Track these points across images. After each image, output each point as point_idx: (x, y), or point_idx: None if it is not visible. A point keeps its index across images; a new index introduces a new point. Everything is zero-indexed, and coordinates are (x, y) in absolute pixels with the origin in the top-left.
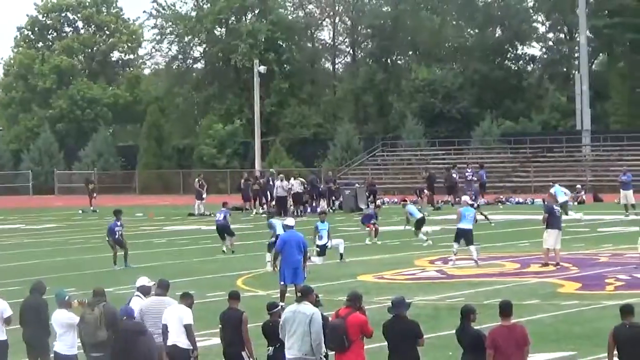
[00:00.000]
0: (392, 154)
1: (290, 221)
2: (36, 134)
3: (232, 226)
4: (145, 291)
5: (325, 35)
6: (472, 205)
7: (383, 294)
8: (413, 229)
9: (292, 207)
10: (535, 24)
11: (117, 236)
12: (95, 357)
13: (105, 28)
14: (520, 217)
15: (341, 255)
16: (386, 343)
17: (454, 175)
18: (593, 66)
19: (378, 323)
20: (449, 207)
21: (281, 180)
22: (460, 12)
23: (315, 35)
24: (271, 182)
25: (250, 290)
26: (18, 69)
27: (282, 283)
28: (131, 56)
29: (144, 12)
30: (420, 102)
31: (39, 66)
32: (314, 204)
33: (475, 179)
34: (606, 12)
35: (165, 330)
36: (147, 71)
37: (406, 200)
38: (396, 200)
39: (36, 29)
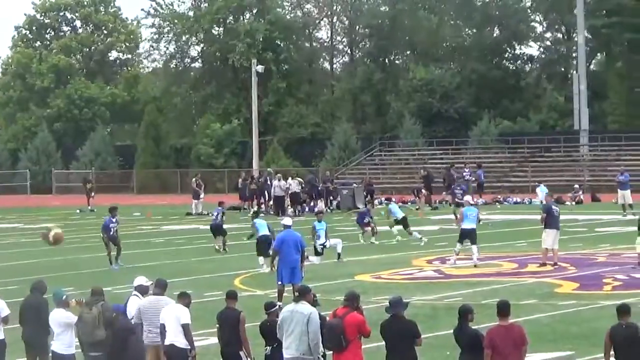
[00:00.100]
0: (389, 153)
1: (287, 221)
2: (34, 133)
3: (228, 225)
4: (142, 290)
5: (323, 34)
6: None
7: (380, 293)
8: (389, 227)
9: (289, 207)
10: (533, 24)
11: (112, 232)
12: (93, 356)
13: (103, 27)
14: (517, 217)
15: (339, 255)
16: (384, 343)
17: (453, 174)
18: (591, 66)
19: (376, 323)
20: (446, 207)
21: (279, 180)
22: (458, 11)
23: (313, 35)
24: (269, 182)
25: (247, 290)
26: (16, 68)
27: (279, 283)
28: (129, 56)
29: (142, 10)
30: (418, 102)
31: (36, 65)
32: (311, 204)
33: (473, 178)
34: (604, 11)
35: (162, 329)
36: (144, 70)
37: (390, 199)
38: (394, 200)
39: (34, 28)
